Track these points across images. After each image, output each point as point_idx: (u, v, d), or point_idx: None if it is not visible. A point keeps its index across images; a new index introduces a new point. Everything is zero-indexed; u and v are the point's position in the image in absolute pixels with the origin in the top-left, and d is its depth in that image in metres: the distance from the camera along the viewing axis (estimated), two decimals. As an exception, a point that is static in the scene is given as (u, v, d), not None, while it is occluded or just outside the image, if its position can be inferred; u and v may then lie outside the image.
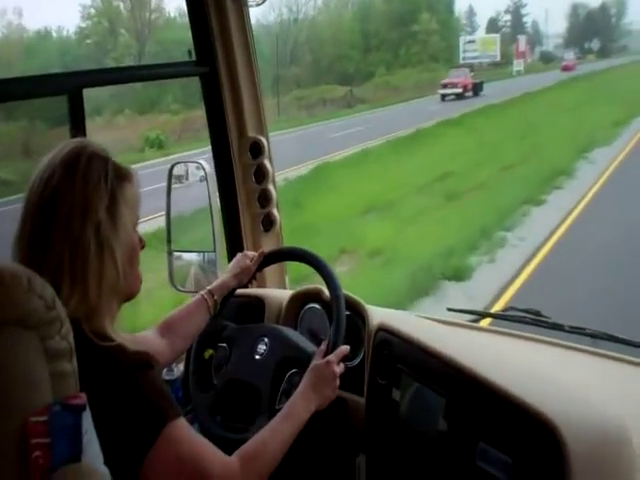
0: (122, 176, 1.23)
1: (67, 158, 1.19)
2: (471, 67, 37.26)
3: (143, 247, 1.31)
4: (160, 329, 1.57)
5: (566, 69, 41.19)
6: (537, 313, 2.04)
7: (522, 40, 48.57)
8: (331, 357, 1.47)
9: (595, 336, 1.91)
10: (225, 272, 1.74)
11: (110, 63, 27.64)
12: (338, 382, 1.47)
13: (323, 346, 1.51)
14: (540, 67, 49.06)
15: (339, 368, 1.47)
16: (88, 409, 0.90)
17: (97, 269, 1.16)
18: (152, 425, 1.12)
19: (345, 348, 1.51)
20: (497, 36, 46.37)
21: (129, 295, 1.28)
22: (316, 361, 1.47)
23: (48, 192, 1.16)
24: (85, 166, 1.18)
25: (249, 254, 1.76)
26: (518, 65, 44.12)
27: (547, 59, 54.93)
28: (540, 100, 26.08)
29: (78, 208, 1.16)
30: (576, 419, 1.14)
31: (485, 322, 2.40)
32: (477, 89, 32.56)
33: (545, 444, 1.11)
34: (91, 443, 0.90)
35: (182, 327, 1.59)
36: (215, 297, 1.64)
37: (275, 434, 1.32)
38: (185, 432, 1.17)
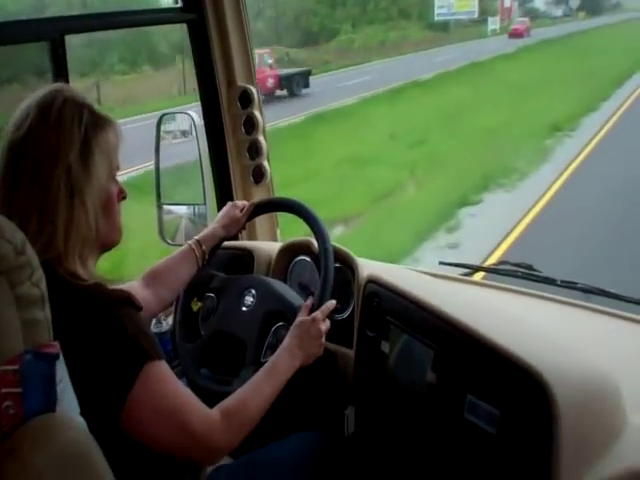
0: (98, 123, 1.21)
1: (42, 101, 1.17)
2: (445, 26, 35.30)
3: (124, 198, 1.29)
4: (145, 279, 1.55)
5: (515, 35, 34.41)
6: (529, 267, 2.03)
7: None
8: (317, 314, 1.45)
9: (587, 290, 1.90)
10: (214, 222, 1.71)
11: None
12: (324, 339, 1.45)
13: (309, 301, 1.50)
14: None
15: (325, 325, 1.46)
16: (62, 358, 0.88)
17: (66, 214, 1.15)
18: (133, 362, 1.11)
19: (331, 303, 1.49)
20: None
21: (106, 245, 1.26)
22: (302, 317, 1.45)
23: (20, 133, 1.15)
24: (59, 108, 1.17)
25: (238, 204, 1.73)
26: (493, 23, 38.56)
27: (532, 17, 47.31)
28: (480, 75, 20.40)
29: (49, 150, 1.14)
30: (564, 372, 1.13)
31: (478, 276, 2.39)
32: (294, 84, 19.82)
33: (533, 396, 1.10)
34: (66, 393, 0.88)
35: (168, 277, 1.57)
36: (203, 247, 1.62)
37: (258, 389, 1.31)
38: (167, 376, 1.16)
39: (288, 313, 1.53)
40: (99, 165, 1.19)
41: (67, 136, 1.16)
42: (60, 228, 1.14)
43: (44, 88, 1.21)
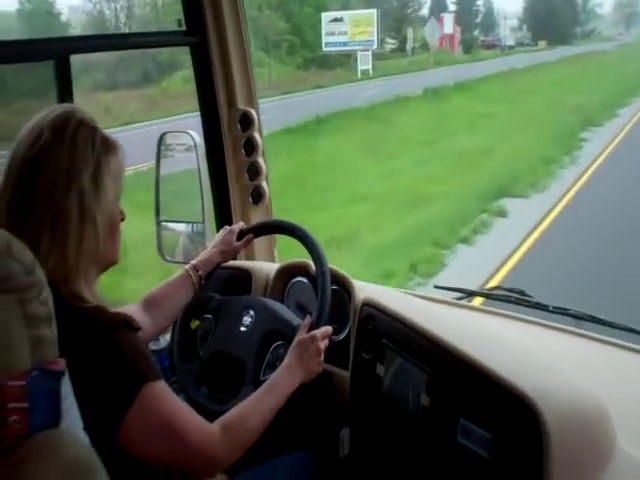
0: (108, 147, 1.23)
1: (56, 121, 1.18)
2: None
3: (123, 219, 1.31)
4: (143, 304, 1.56)
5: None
6: (522, 293, 2.05)
7: (448, 19, 33.34)
8: (316, 332, 1.47)
9: (578, 317, 1.92)
10: (210, 246, 1.72)
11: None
12: (323, 357, 1.47)
13: (307, 320, 1.51)
14: (460, 58, 33.28)
15: (323, 343, 1.47)
16: (67, 375, 0.90)
17: (77, 236, 1.16)
18: (130, 385, 1.12)
19: (329, 329, 1.51)
20: (373, 12, 26.62)
21: (107, 264, 1.28)
22: (300, 336, 1.47)
23: (34, 152, 1.15)
24: (73, 131, 1.18)
25: (235, 229, 1.74)
26: (365, 62, 25.72)
27: (467, 46, 38.04)
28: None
29: (63, 172, 1.15)
30: (556, 397, 1.15)
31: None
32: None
33: (525, 421, 1.12)
34: (71, 409, 0.90)
35: (165, 303, 1.58)
36: (200, 272, 1.63)
37: (258, 406, 1.33)
38: (165, 395, 1.17)
39: (287, 332, 1.54)
40: (109, 188, 1.21)
41: (81, 159, 1.17)
42: (71, 249, 1.15)
43: (53, 108, 1.22)
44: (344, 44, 25.85)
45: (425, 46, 31.37)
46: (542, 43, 43.61)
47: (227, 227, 1.76)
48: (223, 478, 1.46)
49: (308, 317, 1.53)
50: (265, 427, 1.31)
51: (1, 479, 0.80)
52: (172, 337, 1.80)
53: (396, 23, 33.85)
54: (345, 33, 25.93)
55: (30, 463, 0.81)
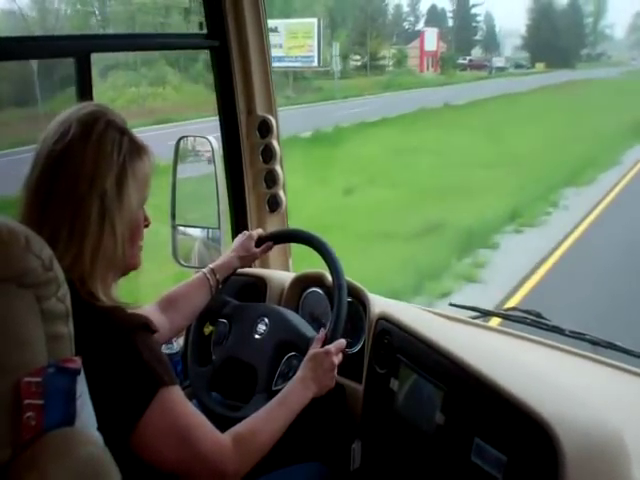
0: (136, 151, 1.21)
1: (85, 119, 1.18)
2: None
3: (147, 226, 1.29)
4: (161, 305, 1.56)
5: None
6: (538, 315, 2.03)
7: (430, 35, 29.03)
8: (330, 347, 1.46)
9: (595, 343, 1.90)
10: (229, 251, 1.72)
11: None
12: (336, 372, 1.46)
13: (321, 334, 1.50)
14: (429, 80, 28.76)
15: (337, 358, 1.46)
16: (83, 373, 0.89)
17: (95, 237, 1.15)
18: (146, 388, 1.12)
19: (343, 342, 1.49)
20: (313, 22, 22.02)
21: (127, 270, 1.27)
22: (314, 349, 1.46)
23: (60, 147, 1.15)
24: (101, 131, 1.17)
25: (254, 235, 1.74)
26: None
27: (445, 66, 33.28)
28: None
29: (87, 171, 1.15)
30: (572, 421, 1.13)
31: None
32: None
33: (540, 445, 1.10)
34: (85, 408, 0.89)
35: (183, 304, 1.57)
36: (217, 276, 1.63)
37: (270, 418, 1.31)
38: (180, 401, 1.16)
39: (301, 344, 1.53)
40: (132, 194, 1.19)
41: (106, 161, 1.16)
42: (87, 250, 1.14)
43: (84, 105, 1.21)
44: (280, 59, 20.44)
45: (401, 63, 27.26)
46: (540, 65, 39.45)
47: (246, 232, 1.75)
48: None
49: (322, 330, 1.51)
50: (276, 441, 1.30)
51: (14, 476, 0.79)
52: (186, 340, 1.79)
53: (360, 37, 28.74)
54: (281, 46, 20.86)
55: (43, 461, 0.80)
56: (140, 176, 1.21)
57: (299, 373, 1.42)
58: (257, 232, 1.76)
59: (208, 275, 1.61)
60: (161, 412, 1.12)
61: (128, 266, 1.26)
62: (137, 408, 1.11)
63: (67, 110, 1.19)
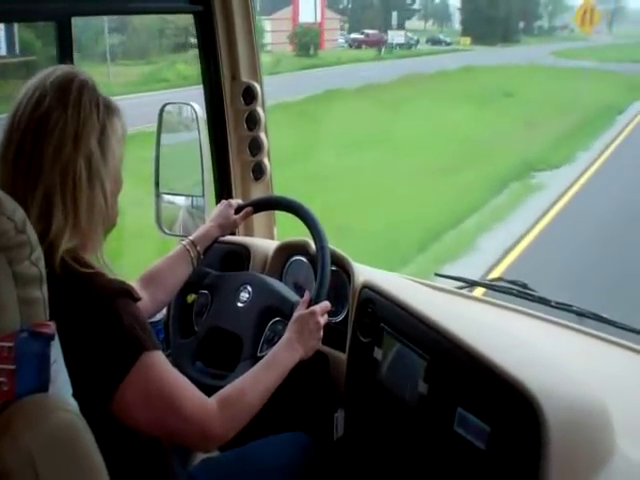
0: (112, 109, 1.22)
1: (59, 82, 1.16)
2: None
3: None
4: (143, 281, 1.55)
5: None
6: (524, 286, 2.02)
7: (303, 3, 23.23)
8: (315, 307, 1.46)
9: (581, 314, 1.90)
10: (208, 221, 1.70)
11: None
12: (322, 332, 1.46)
13: (306, 296, 1.50)
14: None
15: (323, 319, 1.46)
16: (57, 339, 0.87)
17: (88, 199, 1.15)
18: (128, 353, 1.11)
19: (327, 303, 1.49)
20: None
21: (111, 225, 1.26)
22: (300, 311, 1.46)
23: (39, 113, 1.13)
24: (77, 93, 1.16)
25: (233, 203, 1.72)
26: None
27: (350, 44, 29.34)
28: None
29: (70, 133, 1.14)
30: (556, 393, 1.13)
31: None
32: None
33: (525, 416, 1.10)
34: (59, 374, 0.87)
35: (164, 279, 1.57)
36: (198, 247, 1.62)
37: (257, 381, 1.31)
38: (163, 365, 1.15)
39: (285, 309, 1.53)
40: (115, 150, 1.20)
41: (88, 121, 1.15)
42: (83, 212, 1.14)
43: (54, 68, 1.19)
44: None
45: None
46: (465, 41, 33.01)
47: (224, 201, 1.74)
48: (214, 452, 1.44)
49: (307, 293, 1.51)
50: (264, 403, 1.29)
51: None
52: (168, 312, 1.78)
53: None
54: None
55: (16, 427, 0.78)
56: (119, 132, 1.22)
57: (285, 335, 1.42)
58: (236, 201, 1.75)
59: (188, 247, 1.60)
60: (145, 376, 1.11)
61: (112, 223, 1.26)
62: (118, 372, 1.10)
63: (36, 76, 1.17)
